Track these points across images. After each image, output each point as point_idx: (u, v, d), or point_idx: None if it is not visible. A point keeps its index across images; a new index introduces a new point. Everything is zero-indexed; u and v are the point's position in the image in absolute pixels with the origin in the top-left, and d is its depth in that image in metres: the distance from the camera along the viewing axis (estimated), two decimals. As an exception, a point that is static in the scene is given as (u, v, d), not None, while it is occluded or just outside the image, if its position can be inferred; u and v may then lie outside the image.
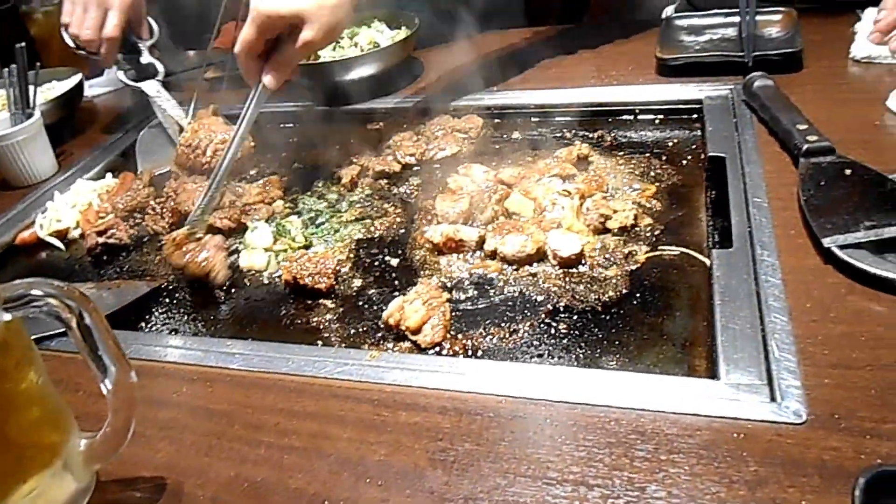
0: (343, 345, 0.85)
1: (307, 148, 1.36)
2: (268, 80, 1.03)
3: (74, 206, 1.25)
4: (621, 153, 1.14)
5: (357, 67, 1.39)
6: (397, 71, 1.47)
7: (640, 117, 1.24)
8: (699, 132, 1.15)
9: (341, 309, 0.91)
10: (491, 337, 0.82)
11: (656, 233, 0.94)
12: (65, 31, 1.36)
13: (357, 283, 0.96)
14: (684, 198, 1.01)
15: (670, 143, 1.15)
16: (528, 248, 0.91)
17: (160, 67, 1.40)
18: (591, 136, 1.22)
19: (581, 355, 0.77)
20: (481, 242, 0.96)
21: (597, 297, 0.85)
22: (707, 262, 0.84)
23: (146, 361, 0.82)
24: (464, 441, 0.64)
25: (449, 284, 0.91)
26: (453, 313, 0.85)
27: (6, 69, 1.41)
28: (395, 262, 0.99)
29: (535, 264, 0.91)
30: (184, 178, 1.26)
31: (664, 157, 1.11)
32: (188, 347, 0.85)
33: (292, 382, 0.75)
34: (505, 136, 1.28)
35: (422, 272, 0.95)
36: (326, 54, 1.47)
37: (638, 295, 0.84)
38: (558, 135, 1.25)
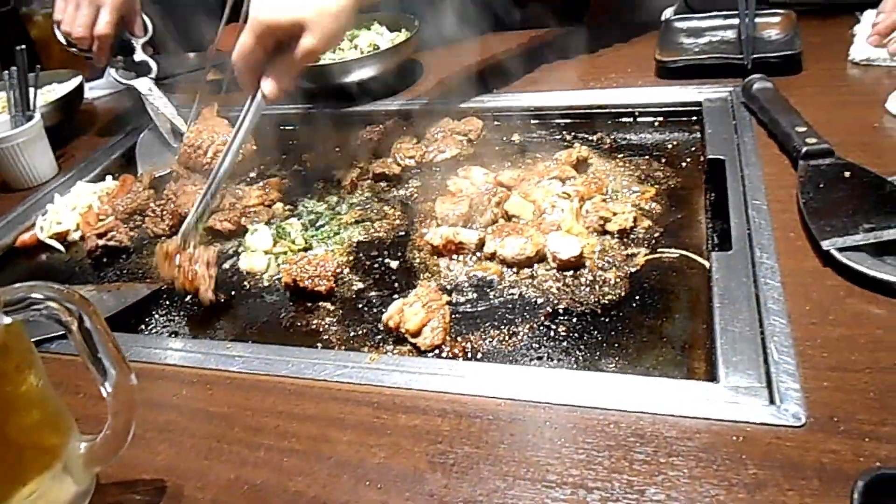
0: (343, 347, 0.85)
1: (307, 150, 1.36)
2: (267, 89, 1.00)
3: (74, 208, 1.25)
4: (621, 155, 1.14)
5: (357, 70, 1.39)
6: (397, 73, 1.47)
7: (639, 119, 1.25)
8: (698, 134, 1.15)
9: (341, 311, 0.91)
10: (490, 339, 0.82)
11: (656, 235, 0.94)
12: (57, 28, 1.36)
13: (357, 285, 0.96)
14: (684, 200, 1.01)
15: (670, 146, 1.15)
16: (528, 251, 0.91)
17: (153, 65, 1.40)
18: (590, 138, 1.22)
19: (580, 358, 0.77)
20: (481, 245, 0.96)
21: (596, 299, 0.85)
22: (706, 264, 0.84)
23: (146, 364, 0.82)
24: (463, 444, 0.65)
25: (448, 287, 0.92)
26: (453, 316, 0.86)
27: (6, 71, 1.41)
28: (394, 264, 0.99)
29: (534, 267, 0.92)
30: (184, 180, 1.27)
31: (663, 160, 1.11)
32: (188, 350, 0.85)
33: (292, 385, 0.75)
34: (504, 138, 1.28)
35: (421, 275, 0.95)
36: (326, 57, 1.47)
37: (637, 297, 0.84)
38: (558, 137, 1.25)
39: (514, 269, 0.92)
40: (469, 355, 0.80)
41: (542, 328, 0.82)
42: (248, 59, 0.99)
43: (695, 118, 1.19)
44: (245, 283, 1.01)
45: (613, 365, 0.75)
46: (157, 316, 0.98)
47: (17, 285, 0.56)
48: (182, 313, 0.97)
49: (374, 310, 0.90)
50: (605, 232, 0.95)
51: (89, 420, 0.70)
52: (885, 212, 0.79)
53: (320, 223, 1.12)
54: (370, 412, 0.70)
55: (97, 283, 1.08)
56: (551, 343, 0.80)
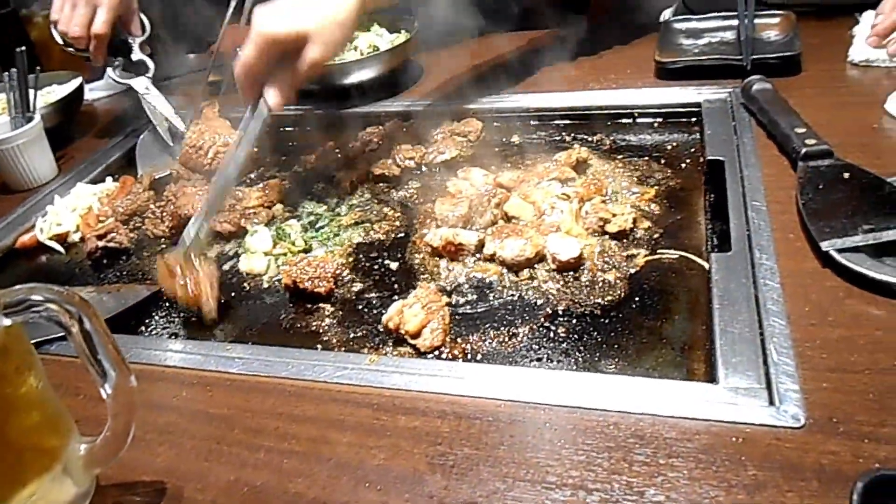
0: (342, 349, 0.85)
1: (307, 152, 1.36)
2: (271, 99, 1.00)
3: (74, 209, 1.25)
4: (620, 157, 1.14)
5: (356, 71, 1.39)
6: (397, 74, 1.48)
7: (638, 121, 1.25)
8: (698, 135, 1.15)
9: (341, 313, 0.92)
10: (490, 341, 0.82)
11: (655, 236, 0.94)
12: (54, 28, 1.36)
13: (357, 286, 0.96)
14: (683, 201, 1.01)
15: (669, 147, 1.15)
16: (528, 252, 0.91)
17: (151, 64, 1.40)
18: (589, 139, 1.22)
19: (580, 359, 0.77)
20: (480, 246, 0.96)
21: (596, 300, 0.85)
22: (706, 265, 0.85)
23: (146, 365, 0.82)
24: (463, 445, 0.65)
25: (448, 288, 0.92)
26: (453, 317, 0.86)
27: (6, 73, 1.41)
28: (394, 265, 0.99)
29: (534, 268, 0.92)
30: (183, 181, 1.27)
31: (663, 161, 1.11)
32: (188, 351, 0.85)
33: (292, 387, 0.75)
34: (504, 139, 1.28)
35: (421, 276, 0.95)
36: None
37: (637, 298, 0.84)
38: (557, 138, 1.25)
39: (514, 271, 0.92)
40: (469, 357, 0.80)
41: (541, 329, 0.82)
42: (250, 71, 0.99)
43: (694, 119, 1.19)
44: (245, 284, 1.02)
45: (613, 366, 0.75)
46: (156, 317, 0.98)
47: (16, 287, 0.56)
48: (182, 315, 0.97)
49: (374, 311, 0.90)
50: (604, 233, 0.95)
51: (89, 421, 0.70)
52: (885, 213, 0.79)
53: (320, 224, 1.12)
54: (370, 413, 0.70)
55: (97, 285, 1.08)
56: (551, 344, 0.80)
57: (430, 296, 0.85)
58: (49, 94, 1.61)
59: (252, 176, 1.32)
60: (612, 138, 1.21)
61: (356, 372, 0.76)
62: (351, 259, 1.02)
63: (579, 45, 1.50)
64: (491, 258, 0.94)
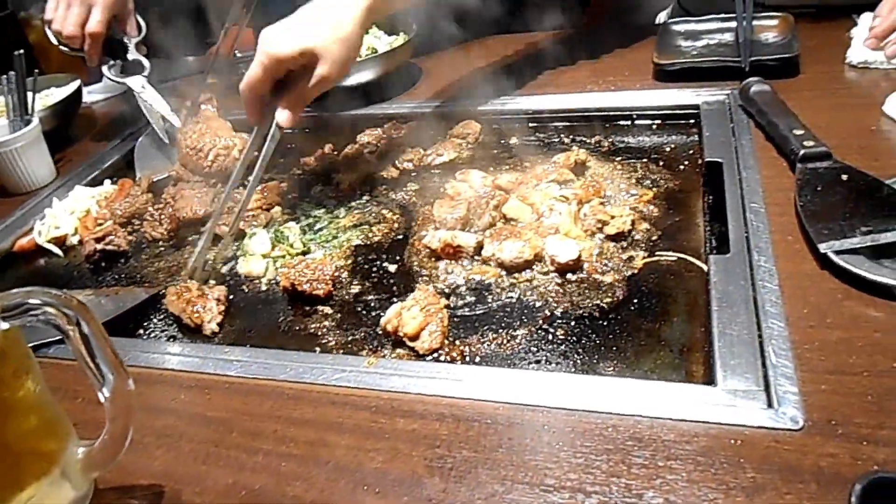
0: (341, 351, 0.85)
1: (305, 154, 1.36)
2: (282, 119, 1.01)
3: (73, 212, 1.25)
4: (618, 158, 1.14)
5: (355, 73, 1.39)
6: (395, 77, 1.48)
7: (637, 122, 1.25)
8: (696, 137, 1.15)
9: (339, 315, 0.91)
10: (488, 343, 0.82)
11: (653, 238, 0.94)
12: (48, 27, 1.36)
13: (355, 289, 0.96)
14: (681, 203, 1.01)
15: (667, 149, 1.16)
16: (526, 254, 0.91)
17: (147, 63, 1.40)
18: (588, 141, 1.22)
19: (578, 361, 0.77)
20: (479, 248, 0.96)
21: (594, 302, 0.85)
22: (704, 267, 0.85)
23: (144, 368, 0.82)
24: (461, 448, 0.64)
25: (447, 290, 0.92)
26: (451, 319, 0.86)
27: (4, 76, 1.41)
28: (392, 268, 0.99)
29: (532, 270, 0.92)
30: (182, 184, 1.27)
31: (661, 163, 1.11)
32: (186, 354, 0.85)
33: (290, 389, 0.75)
34: (503, 141, 1.28)
35: (420, 278, 0.95)
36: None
37: (635, 301, 0.84)
38: (555, 140, 1.25)
39: (512, 273, 0.92)
40: (467, 359, 0.80)
41: (540, 332, 0.82)
42: (256, 90, 0.99)
43: (692, 121, 1.19)
44: (243, 287, 1.01)
45: (611, 368, 0.75)
46: (155, 320, 0.98)
47: (14, 291, 0.56)
48: (180, 317, 0.97)
49: (373, 313, 0.90)
50: (603, 235, 0.95)
51: (87, 425, 0.70)
52: (883, 215, 0.79)
53: (318, 227, 1.12)
54: (368, 416, 0.70)
55: (95, 288, 1.08)
56: (549, 346, 0.80)
57: (429, 298, 0.85)
58: (47, 97, 1.61)
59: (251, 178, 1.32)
60: (610, 140, 1.21)
61: (354, 374, 0.76)
62: (349, 261, 1.02)
63: (577, 47, 1.50)
64: (489, 260, 0.94)
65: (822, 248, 0.77)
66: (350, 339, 0.87)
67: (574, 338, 0.80)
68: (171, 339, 0.94)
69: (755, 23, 1.32)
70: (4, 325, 0.56)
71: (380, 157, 1.27)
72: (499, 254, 0.92)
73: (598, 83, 1.34)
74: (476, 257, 0.96)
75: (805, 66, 1.22)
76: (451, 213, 1.02)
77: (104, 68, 1.38)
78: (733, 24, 1.35)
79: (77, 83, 1.63)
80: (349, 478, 0.64)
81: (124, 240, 1.15)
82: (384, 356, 0.82)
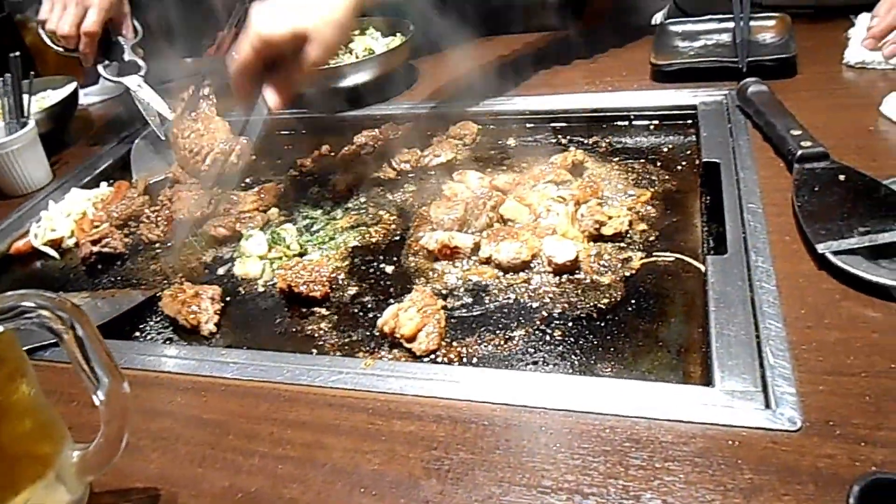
0: (338, 353, 0.85)
1: (302, 155, 1.36)
2: (272, 101, 1.01)
3: (69, 215, 1.25)
4: (616, 159, 1.14)
5: (352, 74, 1.39)
6: (392, 78, 1.47)
7: (634, 123, 1.25)
8: (694, 138, 1.15)
9: (336, 317, 0.91)
10: (486, 344, 0.82)
11: (651, 239, 0.94)
12: (41, 27, 1.35)
13: (352, 290, 0.96)
14: (679, 204, 1.01)
15: (665, 149, 1.15)
16: (523, 255, 0.91)
17: (143, 64, 1.39)
18: (585, 142, 1.22)
19: (576, 362, 0.77)
20: (476, 249, 0.96)
21: (592, 303, 0.85)
22: (702, 268, 0.84)
23: (140, 371, 0.82)
24: (458, 450, 0.64)
25: (444, 291, 0.91)
26: (448, 320, 0.85)
27: (0, 78, 1.41)
28: (390, 269, 0.99)
29: (529, 271, 0.91)
30: (179, 186, 1.26)
31: (659, 163, 1.11)
32: (182, 357, 0.84)
33: (287, 391, 0.75)
34: (500, 142, 1.28)
35: (417, 279, 0.95)
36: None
37: (633, 301, 0.84)
38: (553, 141, 1.25)
39: (510, 274, 0.92)
40: (464, 360, 0.80)
41: (537, 333, 0.82)
42: (247, 72, 0.99)
43: (690, 121, 1.19)
44: (240, 288, 1.01)
45: (609, 369, 0.75)
46: (151, 322, 0.97)
47: (8, 293, 0.55)
48: (176, 320, 0.97)
49: (370, 315, 0.90)
50: (600, 236, 0.95)
51: (83, 428, 0.70)
52: (880, 215, 0.79)
53: (315, 228, 1.12)
54: (365, 418, 0.70)
55: (92, 290, 1.08)
56: (547, 348, 0.79)
57: (426, 299, 0.85)
58: (43, 100, 1.61)
59: (248, 180, 1.31)
60: (607, 141, 1.21)
61: (351, 376, 0.75)
62: (346, 263, 1.02)
63: (575, 48, 1.50)
64: (486, 261, 0.94)
65: (820, 248, 0.77)
66: (347, 340, 0.87)
67: (571, 339, 0.80)
68: (168, 342, 0.93)
69: (752, 23, 1.32)
70: (-1, 328, 0.55)
71: (377, 158, 1.27)
72: (496, 255, 0.92)
73: (595, 84, 1.34)
74: (473, 258, 0.96)
75: (802, 66, 1.22)
76: (448, 214, 1.01)
77: (100, 67, 1.38)
78: (730, 24, 1.35)
79: (73, 85, 1.62)
80: (346, 480, 0.63)
81: (120, 242, 1.14)
82: (381, 358, 0.82)
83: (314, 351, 0.86)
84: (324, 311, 0.92)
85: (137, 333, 0.96)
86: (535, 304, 0.86)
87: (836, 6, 1.37)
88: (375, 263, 1.00)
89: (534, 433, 0.65)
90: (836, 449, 0.58)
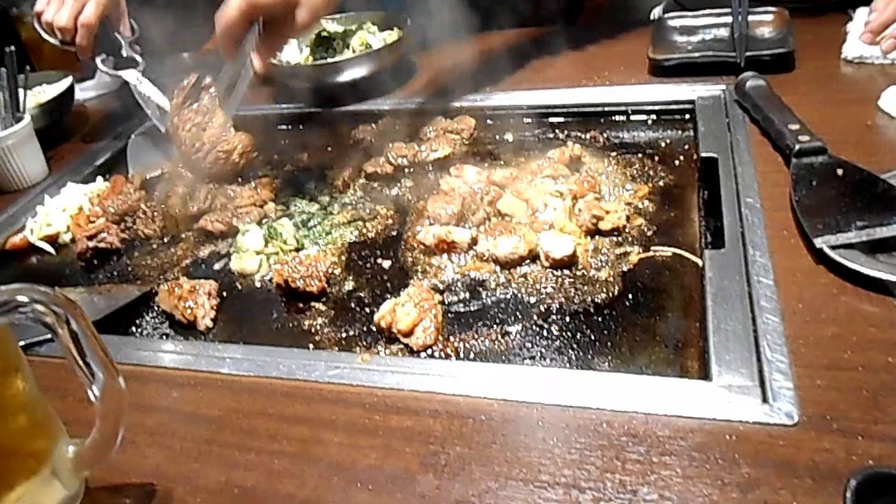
0: (334, 348, 0.85)
1: (299, 150, 1.36)
2: (257, 63, 1.02)
3: (65, 210, 1.24)
4: (614, 154, 1.14)
5: (349, 69, 1.38)
6: (389, 73, 1.47)
7: (632, 118, 1.24)
8: (691, 132, 1.15)
9: (333, 312, 0.91)
10: (483, 339, 0.81)
11: (649, 234, 0.94)
12: (36, 19, 1.34)
13: (349, 285, 0.95)
14: (677, 198, 1.00)
15: (663, 144, 1.15)
16: (521, 250, 0.90)
17: (140, 59, 1.39)
18: (583, 136, 1.22)
19: (573, 357, 0.77)
20: (473, 244, 0.96)
21: (589, 298, 0.84)
22: (699, 262, 0.84)
23: (136, 366, 0.82)
24: (455, 444, 0.64)
25: (441, 286, 0.91)
26: (445, 315, 0.85)
27: (-5, 73, 1.40)
28: (386, 264, 0.98)
29: (527, 265, 0.91)
30: (175, 181, 1.26)
31: (656, 158, 1.11)
32: (178, 352, 0.84)
33: (283, 387, 0.75)
34: (497, 137, 1.28)
35: (414, 274, 0.95)
36: (318, 56, 1.47)
37: (630, 296, 0.84)
38: (550, 135, 1.25)
39: (507, 268, 0.91)
40: (461, 355, 0.80)
41: (534, 327, 0.82)
42: (231, 32, 1.00)
43: (688, 116, 1.19)
44: (236, 283, 1.01)
45: (606, 364, 0.75)
46: (147, 318, 0.97)
47: (1, 288, 0.55)
48: (173, 315, 0.96)
49: (367, 310, 0.90)
50: (598, 230, 0.94)
51: (79, 423, 0.69)
52: (878, 209, 0.79)
53: (312, 223, 1.11)
54: (362, 413, 0.69)
55: (88, 286, 1.08)
56: (544, 342, 0.79)
57: (423, 294, 0.85)
58: (39, 94, 1.60)
59: (244, 175, 1.31)
60: (605, 135, 1.21)
61: (348, 371, 0.75)
62: (343, 258, 1.02)
63: (573, 42, 1.50)
64: (484, 256, 0.93)
65: (818, 242, 0.77)
66: (344, 335, 0.86)
67: (569, 333, 0.80)
68: (164, 337, 0.93)
69: (750, 18, 1.32)
70: (-8, 323, 0.55)
71: (374, 153, 1.27)
72: (493, 249, 0.92)
73: (593, 78, 1.33)
74: (470, 253, 0.95)
75: (800, 61, 1.22)
76: (445, 209, 1.01)
77: (98, 61, 1.37)
78: (729, 18, 1.35)
79: (69, 80, 1.61)
80: (342, 475, 0.63)
81: (117, 237, 1.14)
82: (378, 353, 0.82)
83: (311, 346, 0.85)
84: (320, 306, 0.92)
85: (134, 329, 0.95)
86: (532, 299, 0.86)
87: (834, 0, 1.37)
88: (372, 258, 1.00)
89: (531, 428, 0.64)
90: (834, 443, 0.58)
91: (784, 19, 1.30)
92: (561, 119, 1.28)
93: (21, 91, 1.41)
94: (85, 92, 1.79)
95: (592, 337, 0.79)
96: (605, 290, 0.85)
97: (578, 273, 0.89)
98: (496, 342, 0.81)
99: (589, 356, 0.76)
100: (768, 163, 0.96)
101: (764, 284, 0.75)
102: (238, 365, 0.79)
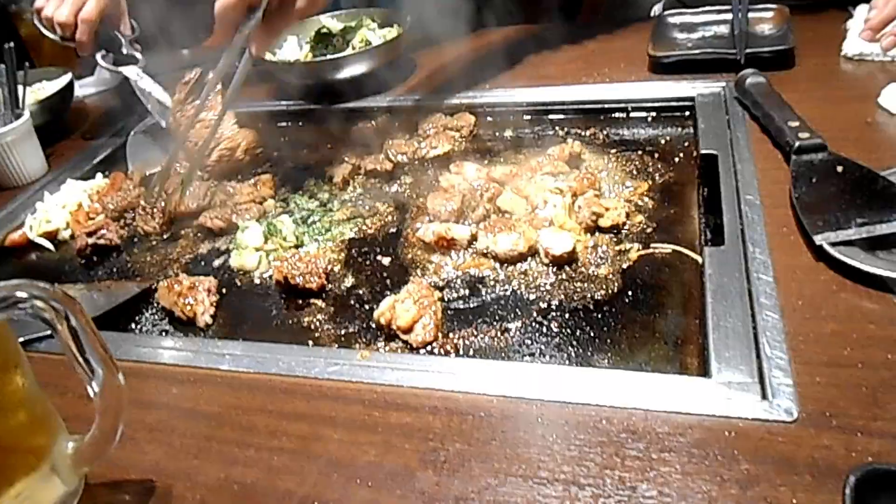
0: (334, 345, 0.85)
1: (299, 147, 1.36)
2: (254, 48, 1.01)
3: (64, 206, 1.24)
4: (613, 151, 1.14)
5: (349, 66, 1.38)
6: (389, 69, 1.47)
7: (632, 115, 1.24)
8: (691, 130, 1.14)
9: (332, 308, 0.91)
10: (482, 336, 0.81)
11: (648, 231, 0.94)
12: (36, 15, 1.34)
13: (348, 282, 0.95)
14: (676, 195, 1.00)
15: (663, 141, 1.15)
16: (520, 247, 0.90)
17: (140, 56, 1.38)
18: (583, 133, 1.22)
19: (573, 354, 0.77)
20: (473, 241, 0.96)
21: (589, 295, 0.84)
22: (699, 259, 0.84)
23: (135, 363, 0.82)
24: (455, 441, 0.64)
25: (440, 283, 0.91)
26: (445, 312, 0.85)
27: (-5, 69, 1.40)
28: (386, 261, 0.98)
29: (526, 262, 0.91)
30: (174, 177, 1.25)
31: (656, 155, 1.11)
32: (178, 348, 0.84)
33: (283, 383, 0.75)
34: (497, 133, 1.28)
35: (413, 271, 0.95)
36: (318, 53, 1.47)
37: (630, 293, 0.84)
38: (550, 133, 1.25)
39: (507, 265, 0.91)
40: (461, 352, 0.80)
41: (534, 324, 0.82)
42: (229, 17, 0.98)
43: (688, 113, 1.18)
44: (236, 280, 1.01)
45: (606, 361, 0.75)
46: (147, 314, 0.97)
47: (0, 284, 0.55)
48: (172, 312, 0.96)
49: (366, 307, 0.90)
50: (597, 227, 0.94)
51: (78, 420, 0.69)
52: (878, 206, 0.79)
53: (312, 220, 1.11)
54: (361, 410, 0.69)
55: (87, 282, 1.08)
56: (543, 339, 0.79)
57: (422, 291, 0.85)
58: (39, 91, 1.60)
59: (243, 172, 1.31)
60: (605, 132, 1.20)
61: (347, 368, 0.75)
62: (343, 254, 1.01)
63: (572, 39, 1.50)
64: (483, 253, 0.93)
65: (818, 239, 0.77)
66: (343, 332, 0.86)
67: (568, 330, 0.80)
68: (164, 334, 0.93)
69: (751, 15, 1.32)
70: (-8, 319, 0.55)
71: (374, 149, 1.27)
72: (493, 246, 0.92)
73: (593, 75, 1.33)
74: (470, 250, 0.95)
75: (800, 58, 1.22)
76: (445, 206, 1.01)
77: (98, 57, 1.36)
78: (729, 15, 1.35)
79: (68, 77, 1.61)
80: (342, 472, 0.63)
81: (116, 234, 1.14)
82: (377, 349, 0.82)
83: (310, 342, 0.85)
84: (320, 303, 0.92)
85: (133, 325, 0.95)
86: (531, 296, 0.86)
87: (834, -3, 1.37)
88: (372, 255, 1.00)
89: (530, 424, 0.64)
90: (833, 440, 0.58)
91: (784, 16, 1.30)
92: (561, 116, 1.28)
93: (20, 87, 1.40)
94: (84, 88, 1.78)
95: (592, 334, 0.79)
96: (604, 286, 0.85)
97: (578, 270, 0.89)
98: (496, 339, 0.81)
99: (588, 353, 0.76)
100: (768, 160, 0.96)
101: (763, 281, 0.75)
102: (237, 361, 0.79)
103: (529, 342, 0.79)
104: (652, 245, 0.91)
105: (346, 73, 1.38)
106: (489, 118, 1.32)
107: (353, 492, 0.61)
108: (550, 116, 1.29)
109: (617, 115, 1.25)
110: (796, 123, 0.96)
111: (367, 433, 0.67)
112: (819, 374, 0.64)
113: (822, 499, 0.53)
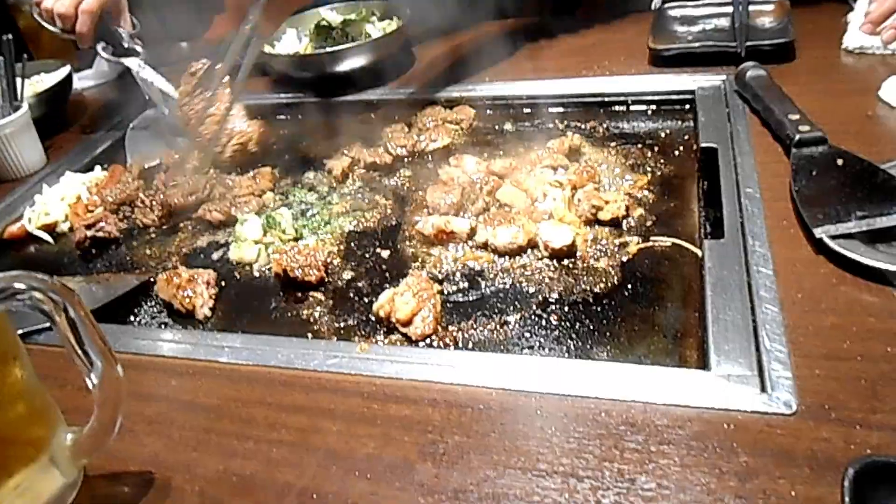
0: (333, 337, 0.84)
1: (298, 140, 1.35)
2: (265, 30, 1.02)
3: (63, 199, 1.24)
4: (613, 144, 1.14)
5: (348, 59, 1.38)
6: (389, 62, 1.46)
7: (632, 108, 1.24)
8: (691, 123, 1.14)
9: (331, 301, 0.91)
10: (482, 329, 0.81)
11: (648, 224, 0.94)
12: (36, 7, 1.33)
13: (347, 275, 0.95)
14: (676, 189, 1.00)
15: (662, 134, 1.15)
16: (520, 240, 0.90)
17: (140, 49, 1.38)
18: (583, 126, 1.21)
19: (572, 347, 0.77)
20: (472, 234, 0.95)
21: (588, 288, 0.84)
22: (699, 252, 0.84)
23: (134, 355, 0.82)
24: (454, 433, 0.64)
25: (440, 276, 0.91)
26: (444, 305, 0.85)
27: (-7, 61, 1.39)
28: (385, 253, 0.98)
29: (526, 255, 0.91)
30: (173, 171, 1.25)
31: (656, 148, 1.10)
32: (177, 341, 0.84)
33: (282, 376, 0.75)
34: (497, 127, 1.27)
35: (413, 264, 0.95)
36: (318, 46, 1.46)
37: (629, 286, 0.84)
38: (550, 126, 1.24)
39: (506, 258, 0.91)
40: (460, 345, 0.80)
41: (533, 317, 0.82)
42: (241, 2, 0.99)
43: (688, 106, 1.18)
44: (235, 273, 1.01)
45: (605, 353, 0.75)
46: (146, 307, 0.97)
47: (-1, 275, 0.55)
48: (171, 304, 0.96)
49: (365, 299, 0.90)
50: (597, 221, 0.94)
51: (77, 411, 0.69)
52: (878, 199, 0.79)
53: (311, 213, 1.11)
54: (360, 402, 0.69)
55: (86, 275, 1.07)
56: (543, 332, 0.79)
57: (422, 284, 0.85)
58: (37, 83, 1.59)
59: (243, 165, 1.30)
60: (605, 126, 1.20)
61: (347, 360, 0.75)
62: (342, 247, 1.01)
63: (572, 32, 1.49)
64: (483, 246, 0.93)
65: (818, 232, 0.77)
66: (342, 325, 0.86)
67: (567, 323, 0.80)
68: (162, 326, 0.93)
69: (751, 7, 1.31)
70: (-10, 310, 0.55)
71: (373, 142, 1.26)
72: (492, 239, 0.92)
73: (593, 68, 1.33)
74: (469, 243, 0.95)
75: (801, 51, 1.22)
76: (444, 199, 1.01)
77: (98, 48, 1.36)
78: (729, 8, 1.34)
79: (67, 69, 1.61)
80: (341, 464, 0.63)
81: (115, 226, 1.14)
82: (376, 342, 0.82)
83: (309, 335, 0.85)
84: (319, 296, 0.92)
85: (132, 318, 0.95)
86: (531, 289, 0.86)
87: (835, -10, 1.36)
88: (371, 248, 1.00)
89: (529, 417, 0.64)
90: (832, 432, 0.58)
91: (785, 9, 1.30)
92: (560, 109, 1.28)
93: (19, 80, 1.40)
94: (83, 81, 1.78)
95: (591, 326, 0.79)
96: (604, 279, 0.85)
97: (577, 263, 0.88)
98: (495, 332, 0.81)
99: (588, 346, 0.76)
100: (768, 153, 0.96)
101: (763, 274, 0.75)
102: (236, 354, 0.79)
103: (528, 335, 0.79)
104: (651, 238, 0.90)
105: (345, 65, 1.38)
106: (489, 111, 1.31)
107: (352, 484, 0.61)
108: (550, 109, 1.28)
109: (617, 108, 1.25)
110: (797, 116, 0.96)
111: (366, 425, 0.67)
112: (818, 367, 0.64)
113: (821, 491, 0.53)
